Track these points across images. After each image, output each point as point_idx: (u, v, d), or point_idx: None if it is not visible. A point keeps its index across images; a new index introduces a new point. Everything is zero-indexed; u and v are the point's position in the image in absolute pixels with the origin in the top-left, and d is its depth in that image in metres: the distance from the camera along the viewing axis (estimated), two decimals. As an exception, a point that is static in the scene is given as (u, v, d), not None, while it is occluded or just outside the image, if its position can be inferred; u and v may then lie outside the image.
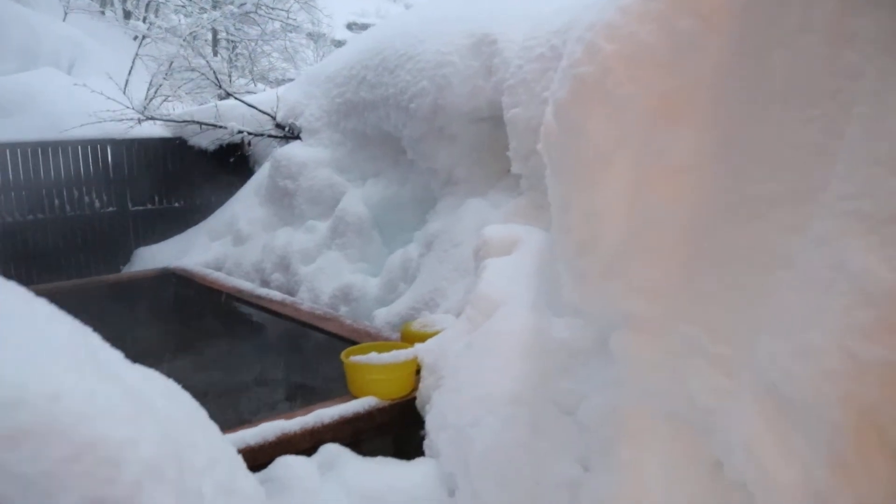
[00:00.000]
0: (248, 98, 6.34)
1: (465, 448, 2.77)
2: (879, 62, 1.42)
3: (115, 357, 1.62)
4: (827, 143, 1.56)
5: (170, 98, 13.15)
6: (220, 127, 5.75)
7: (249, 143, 6.20)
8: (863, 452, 1.38)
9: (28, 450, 1.06)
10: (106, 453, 1.11)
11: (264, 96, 6.70)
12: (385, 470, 2.96)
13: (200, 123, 5.84)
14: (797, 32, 1.60)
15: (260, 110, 5.70)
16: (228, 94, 6.36)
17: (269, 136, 5.71)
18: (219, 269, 5.94)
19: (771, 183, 1.73)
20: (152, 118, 5.82)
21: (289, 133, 5.65)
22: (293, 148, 5.58)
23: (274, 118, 5.65)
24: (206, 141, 6.47)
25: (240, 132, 5.71)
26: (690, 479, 2.19)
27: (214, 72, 6.51)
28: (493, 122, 4.58)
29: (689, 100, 1.83)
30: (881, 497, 1.35)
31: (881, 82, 1.41)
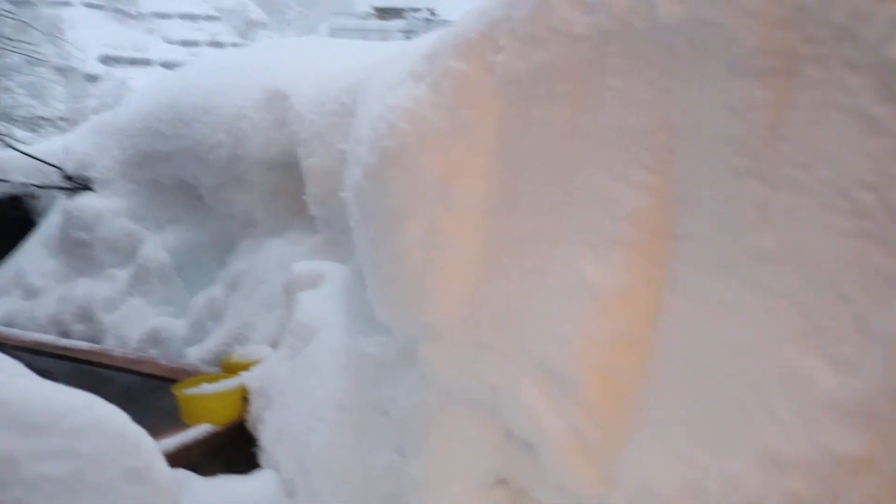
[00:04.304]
0: (27, 149, 6.22)
1: (301, 454, 3.22)
2: (597, 152, 2.17)
3: None
4: (565, 197, 2.28)
5: None
6: (3, 181, 5.63)
7: (36, 196, 6.10)
8: (599, 397, 2.10)
9: (86, 439, 1.44)
10: (131, 439, 1.53)
11: (44, 146, 6.58)
12: (228, 485, 3.29)
13: (-20, 177, 5.68)
14: (542, 124, 2.31)
15: (46, 162, 5.67)
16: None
17: (60, 188, 5.68)
18: (9, 325, 5.77)
19: (532, 223, 2.41)
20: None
21: (79, 185, 5.69)
22: (86, 199, 5.61)
23: (62, 170, 5.65)
24: (-21, 194, 6.24)
25: (23, 184, 5.64)
26: (488, 450, 2.83)
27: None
28: (285, 169, 4.99)
29: (469, 166, 2.47)
30: (610, 420, 2.08)
31: (597, 163, 2.17)
